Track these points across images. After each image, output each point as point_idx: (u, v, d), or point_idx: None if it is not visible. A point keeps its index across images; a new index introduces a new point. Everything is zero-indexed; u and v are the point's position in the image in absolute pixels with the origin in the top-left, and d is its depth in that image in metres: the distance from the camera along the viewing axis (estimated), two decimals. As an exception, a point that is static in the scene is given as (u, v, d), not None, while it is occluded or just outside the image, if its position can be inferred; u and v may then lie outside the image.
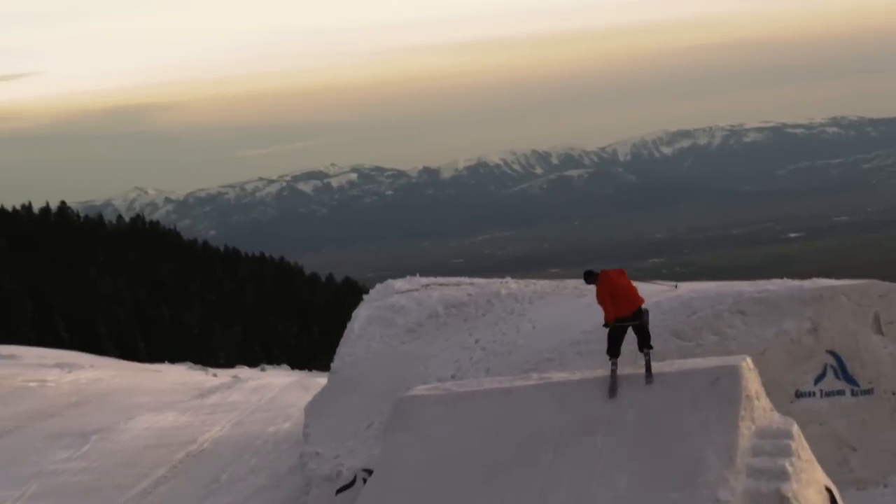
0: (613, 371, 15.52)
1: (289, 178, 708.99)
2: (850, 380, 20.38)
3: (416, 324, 21.40)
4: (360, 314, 22.57)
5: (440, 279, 23.62)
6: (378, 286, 23.48)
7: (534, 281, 22.79)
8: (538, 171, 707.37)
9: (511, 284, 22.19)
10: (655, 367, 15.44)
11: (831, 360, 20.11)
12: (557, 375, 14.55)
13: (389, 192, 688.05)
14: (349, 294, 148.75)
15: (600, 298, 16.42)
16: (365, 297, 23.16)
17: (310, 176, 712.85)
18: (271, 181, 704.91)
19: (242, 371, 54.25)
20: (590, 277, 17.36)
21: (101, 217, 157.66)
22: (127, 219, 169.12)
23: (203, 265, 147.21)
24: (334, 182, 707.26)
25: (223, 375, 43.27)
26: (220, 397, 33.39)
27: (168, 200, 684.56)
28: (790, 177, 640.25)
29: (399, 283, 23.31)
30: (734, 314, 19.19)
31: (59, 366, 38.29)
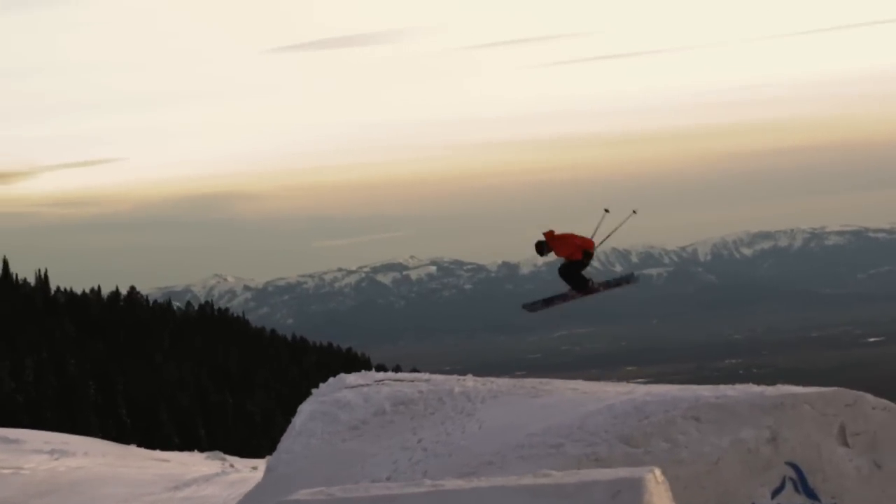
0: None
1: (368, 270, 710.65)
2: (810, 494, 18.49)
3: (361, 421, 19.84)
4: (304, 409, 21.06)
5: (398, 374, 22.22)
6: (331, 380, 21.89)
7: (493, 379, 21.05)
8: (618, 268, 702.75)
9: (468, 382, 20.73)
10: (557, 476, 13.80)
11: (791, 473, 18.36)
12: (457, 483, 12.74)
13: (468, 286, 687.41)
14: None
15: (568, 243, 19.81)
16: (314, 391, 21.53)
17: (389, 268, 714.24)
18: (350, 272, 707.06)
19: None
20: (541, 247, 20.17)
21: (170, 303, 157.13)
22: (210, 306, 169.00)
23: (270, 353, 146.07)
24: (413, 274, 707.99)
25: (241, 466, 41.16)
26: (193, 490, 31.33)
27: (247, 288, 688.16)
28: (871, 280, 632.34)
29: (351, 378, 21.77)
30: (688, 420, 17.69)
31: (52, 452, 36.48)
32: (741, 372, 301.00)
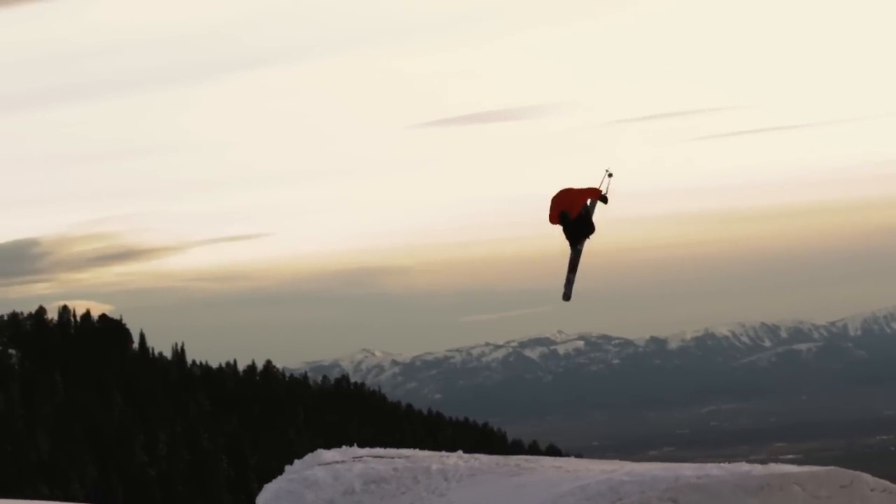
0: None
1: (515, 344, 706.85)
2: None
3: (328, 501, 18.38)
4: (269, 488, 19.37)
5: (378, 450, 20.49)
6: (307, 456, 20.00)
7: (477, 456, 19.43)
8: (767, 343, 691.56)
9: (449, 459, 19.33)
10: None
11: None
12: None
13: (616, 361, 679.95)
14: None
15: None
16: (287, 468, 19.55)
17: (536, 342, 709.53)
18: (497, 346, 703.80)
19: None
20: (565, 219, 20.44)
21: (306, 377, 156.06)
22: (353, 380, 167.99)
23: (404, 428, 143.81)
24: (561, 349, 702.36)
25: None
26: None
27: (394, 363, 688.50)
28: None
29: (328, 454, 19.94)
30: (665, 502, 16.34)
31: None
32: (892, 448, 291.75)
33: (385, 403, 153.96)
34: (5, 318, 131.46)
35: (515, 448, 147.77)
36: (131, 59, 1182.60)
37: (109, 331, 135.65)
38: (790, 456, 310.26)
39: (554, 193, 20.73)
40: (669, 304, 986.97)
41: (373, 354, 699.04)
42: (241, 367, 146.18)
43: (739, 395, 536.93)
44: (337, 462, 19.82)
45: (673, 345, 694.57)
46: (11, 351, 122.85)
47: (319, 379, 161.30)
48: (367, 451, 20.62)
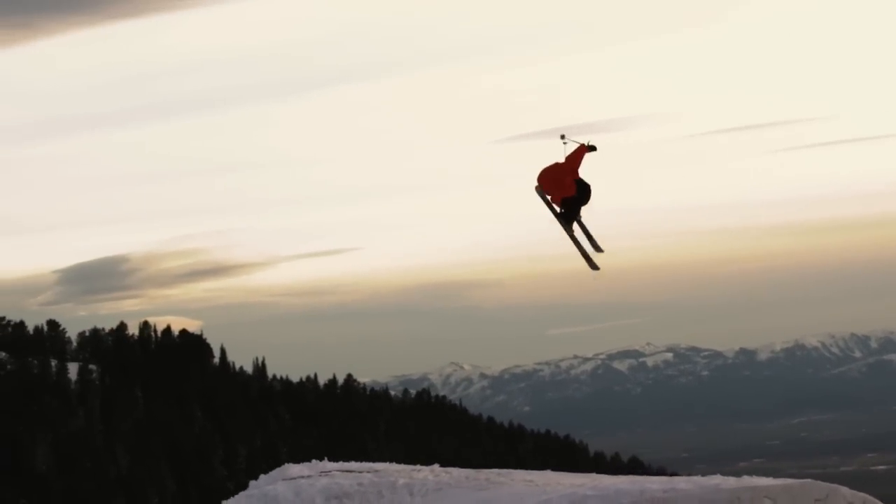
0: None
1: (604, 357, 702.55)
2: None
3: None
4: None
5: (348, 464, 19.91)
6: (275, 471, 19.17)
7: (449, 470, 19.12)
8: (857, 354, 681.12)
9: (419, 473, 18.96)
10: None
11: None
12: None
13: (705, 373, 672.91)
14: (634, 474, 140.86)
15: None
16: (252, 483, 18.73)
17: (625, 355, 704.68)
18: (586, 359, 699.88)
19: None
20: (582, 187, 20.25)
21: (387, 391, 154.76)
22: (442, 393, 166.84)
23: (485, 440, 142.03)
24: (650, 361, 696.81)
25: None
26: None
27: (483, 376, 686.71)
28: None
29: (295, 468, 19.14)
30: None
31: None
32: None
33: (466, 416, 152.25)
34: (87, 334, 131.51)
35: (597, 460, 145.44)
36: (216, 79, 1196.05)
37: (190, 346, 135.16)
38: (881, 467, 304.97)
39: (548, 171, 20.39)
40: (758, 315, 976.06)
41: (461, 368, 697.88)
42: (323, 381, 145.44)
43: (829, 405, 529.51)
44: (302, 477, 18.89)
45: (762, 356, 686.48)
46: (92, 367, 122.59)
47: (410, 393, 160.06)
48: (336, 465, 19.85)
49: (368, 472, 19.40)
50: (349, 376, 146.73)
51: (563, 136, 20.88)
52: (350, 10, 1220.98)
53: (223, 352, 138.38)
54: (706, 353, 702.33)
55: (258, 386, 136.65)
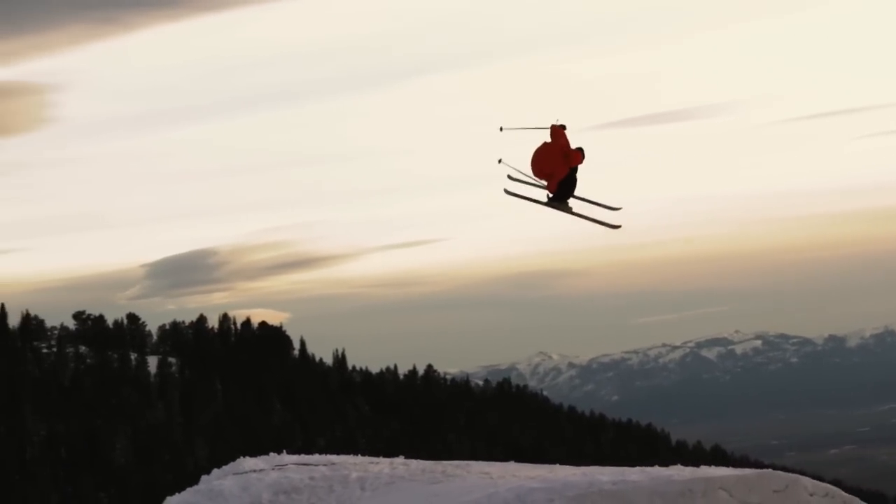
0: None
1: (692, 345, 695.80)
2: None
3: None
4: (171, 501, 18.26)
5: (307, 457, 19.08)
6: (230, 465, 18.37)
7: (408, 462, 18.36)
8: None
9: (375, 466, 17.98)
10: None
11: None
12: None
13: (794, 360, 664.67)
14: (716, 463, 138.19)
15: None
16: (203, 477, 17.88)
17: (714, 342, 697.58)
18: (674, 347, 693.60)
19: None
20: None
21: (468, 381, 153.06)
22: (531, 384, 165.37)
23: (566, 430, 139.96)
24: (738, 349, 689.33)
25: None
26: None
27: (571, 365, 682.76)
28: None
29: (250, 462, 18.41)
30: None
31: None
32: None
33: (547, 406, 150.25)
34: (167, 327, 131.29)
35: (679, 450, 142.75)
36: (299, 72, 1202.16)
37: (270, 338, 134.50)
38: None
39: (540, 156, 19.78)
40: (848, 301, 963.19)
41: (550, 357, 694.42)
42: (404, 371, 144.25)
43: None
44: (254, 471, 18.56)
45: (852, 342, 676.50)
46: (171, 360, 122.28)
47: (491, 383, 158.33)
48: (293, 457, 19.20)
49: (325, 465, 18.89)
50: (429, 367, 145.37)
51: (500, 161, 20.43)
52: (429, 1, 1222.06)
53: (303, 344, 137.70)
54: (795, 341, 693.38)
55: (338, 377, 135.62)
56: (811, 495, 16.26)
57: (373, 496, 17.02)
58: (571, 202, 20.46)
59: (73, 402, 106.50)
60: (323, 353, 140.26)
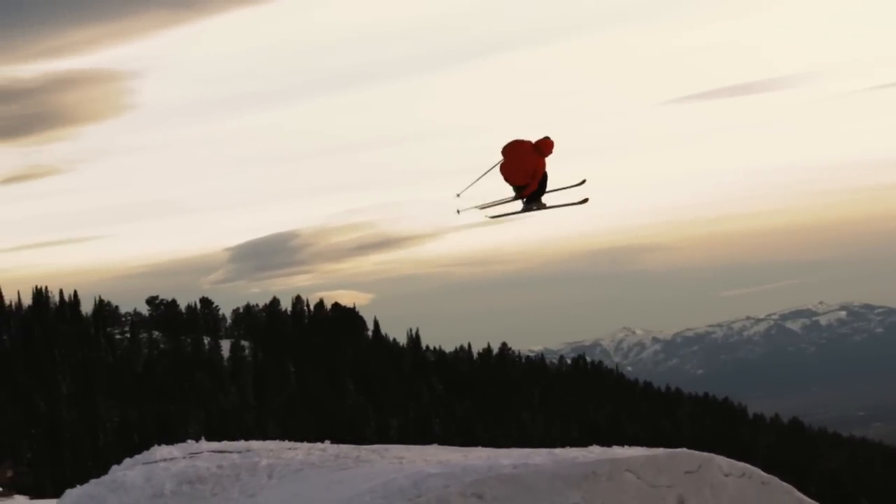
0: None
1: (776, 317, 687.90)
2: None
3: None
4: (72, 493, 16.77)
5: (224, 444, 17.36)
6: (143, 454, 17.40)
7: (325, 446, 16.93)
8: None
9: (289, 452, 16.54)
10: None
11: None
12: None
13: (880, 330, 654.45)
14: (793, 436, 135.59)
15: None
16: (113, 467, 17.18)
17: (798, 314, 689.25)
18: (759, 320, 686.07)
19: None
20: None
21: (543, 359, 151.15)
22: (616, 359, 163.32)
23: (642, 406, 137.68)
24: (823, 320, 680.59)
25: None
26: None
27: (655, 340, 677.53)
28: None
29: (163, 450, 17.66)
30: (467, 498, 13.69)
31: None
32: None
33: (622, 382, 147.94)
34: (241, 310, 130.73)
35: (756, 422, 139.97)
36: (376, 52, 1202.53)
37: (343, 319, 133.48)
38: None
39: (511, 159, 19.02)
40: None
41: (633, 332, 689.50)
42: (478, 350, 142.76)
43: None
44: (164, 460, 17.37)
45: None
46: (244, 343, 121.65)
47: (565, 360, 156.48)
48: (212, 444, 18.15)
49: (240, 452, 17.61)
50: (504, 345, 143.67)
51: (458, 195, 19.96)
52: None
53: (376, 324, 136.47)
54: (880, 311, 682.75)
55: (412, 357, 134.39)
56: (726, 476, 14.55)
57: (278, 484, 15.94)
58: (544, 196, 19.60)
59: (146, 388, 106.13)
60: (399, 333, 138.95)
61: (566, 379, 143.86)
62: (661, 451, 14.20)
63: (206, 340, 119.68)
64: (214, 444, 17.59)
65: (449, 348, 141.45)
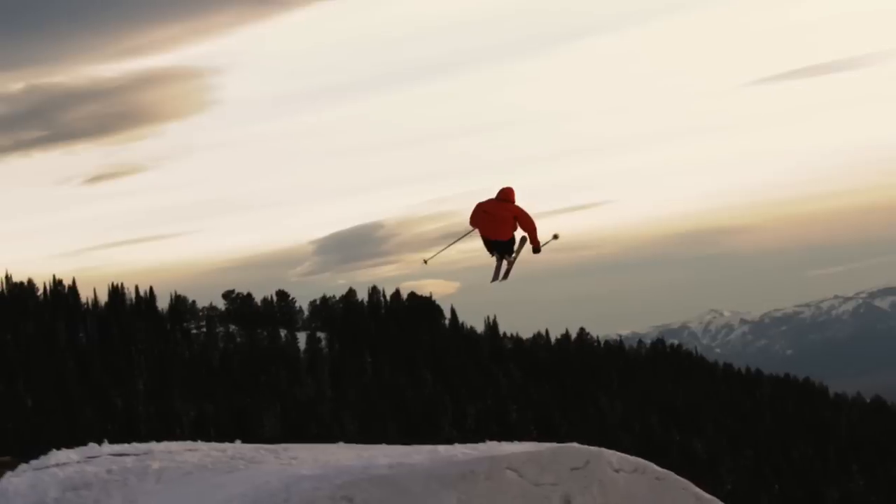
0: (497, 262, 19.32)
1: (865, 295, 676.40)
2: None
3: None
4: None
5: (125, 446, 14.77)
6: (40, 459, 15.76)
7: (224, 447, 14.49)
8: None
9: (185, 455, 14.09)
10: None
11: None
12: None
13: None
14: (875, 415, 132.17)
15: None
16: (7, 474, 15.55)
17: (886, 292, 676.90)
18: (847, 299, 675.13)
19: None
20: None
21: (621, 343, 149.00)
22: (704, 341, 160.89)
23: (722, 388, 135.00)
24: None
25: None
26: None
27: (743, 322, 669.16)
28: None
29: (61, 454, 15.97)
30: (338, 501, 11.79)
31: None
32: None
33: (702, 364, 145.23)
34: (317, 302, 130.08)
35: (837, 403, 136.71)
36: (459, 41, 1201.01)
37: (420, 309, 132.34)
38: None
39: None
40: None
41: (721, 314, 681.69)
42: (556, 336, 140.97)
43: None
44: (56, 465, 15.89)
45: None
46: (320, 335, 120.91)
47: (638, 344, 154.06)
48: (112, 447, 16.60)
49: (139, 454, 16.14)
50: (581, 330, 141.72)
51: (425, 261, 20.48)
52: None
53: (453, 313, 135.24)
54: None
55: (489, 345, 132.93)
56: (616, 471, 12.89)
57: (164, 489, 14.42)
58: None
59: (222, 382, 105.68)
60: (480, 321, 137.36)
61: (645, 363, 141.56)
62: (545, 446, 12.78)
63: (283, 333, 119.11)
64: (115, 447, 16.40)
65: (529, 335, 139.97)
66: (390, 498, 12.33)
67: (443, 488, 12.32)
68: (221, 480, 14.10)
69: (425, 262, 20.52)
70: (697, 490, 14.05)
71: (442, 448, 13.64)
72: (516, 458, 12.65)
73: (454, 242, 20.22)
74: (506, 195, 18.77)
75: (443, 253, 20.73)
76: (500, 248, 19.26)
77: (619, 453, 12.83)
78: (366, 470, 12.70)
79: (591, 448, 12.88)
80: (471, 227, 19.27)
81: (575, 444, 12.96)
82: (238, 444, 16.20)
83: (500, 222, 18.77)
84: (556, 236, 19.71)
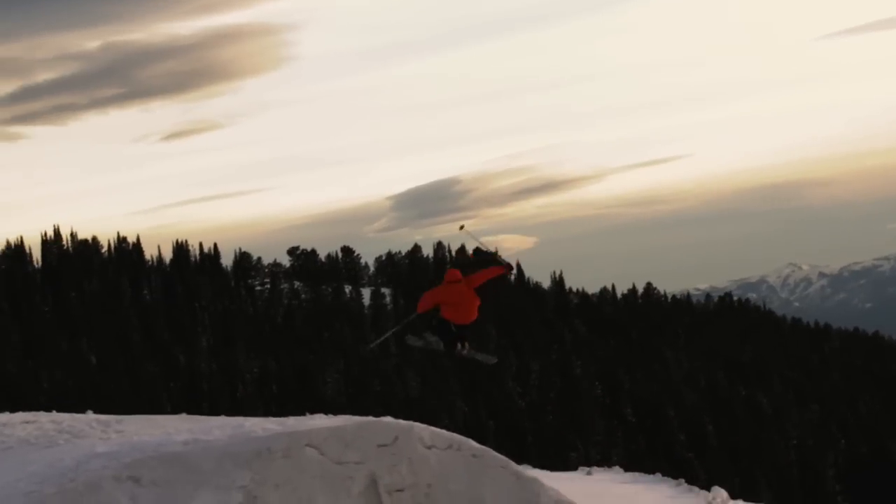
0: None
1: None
2: None
3: None
4: None
5: (39, 415, 15.56)
6: None
7: (60, 420, 14.62)
8: None
9: (27, 426, 14.36)
10: None
11: None
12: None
13: None
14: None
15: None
16: None
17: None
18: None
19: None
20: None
21: (689, 297, 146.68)
22: (782, 295, 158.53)
23: (789, 342, 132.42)
24: None
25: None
26: None
27: (822, 275, 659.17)
28: None
29: None
30: (123, 482, 11.04)
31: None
32: None
33: (769, 318, 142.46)
34: (383, 258, 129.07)
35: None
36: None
37: (485, 264, 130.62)
38: None
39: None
40: None
41: (799, 268, 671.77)
42: (623, 291, 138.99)
43: None
44: None
45: None
46: (384, 291, 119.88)
47: (706, 298, 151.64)
48: (30, 415, 16.98)
49: (23, 422, 15.22)
50: (649, 285, 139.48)
51: (370, 348, 18.20)
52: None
53: (519, 268, 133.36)
54: None
55: (554, 300, 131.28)
56: (429, 448, 12.42)
57: None
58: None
59: (285, 338, 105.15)
60: (571, 278, 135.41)
61: (713, 317, 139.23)
62: (350, 421, 11.74)
63: (348, 289, 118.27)
64: (29, 415, 16.04)
65: (596, 290, 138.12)
66: (178, 477, 11.25)
67: (236, 467, 11.26)
68: (34, 457, 13.27)
69: (370, 348, 19.94)
70: (517, 468, 12.83)
71: (250, 422, 12.53)
72: (318, 434, 11.56)
73: (396, 329, 19.51)
74: (454, 276, 18.68)
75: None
76: (464, 330, 18.74)
77: (432, 428, 11.65)
78: (159, 447, 11.66)
79: (402, 422, 11.77)
80: (417, 314, 18.67)
81: (385, 419, 11.81)
82: (89, 414, 15.28)
83: (468, 304, 18.44)
84: (509, 266, 19.05)
